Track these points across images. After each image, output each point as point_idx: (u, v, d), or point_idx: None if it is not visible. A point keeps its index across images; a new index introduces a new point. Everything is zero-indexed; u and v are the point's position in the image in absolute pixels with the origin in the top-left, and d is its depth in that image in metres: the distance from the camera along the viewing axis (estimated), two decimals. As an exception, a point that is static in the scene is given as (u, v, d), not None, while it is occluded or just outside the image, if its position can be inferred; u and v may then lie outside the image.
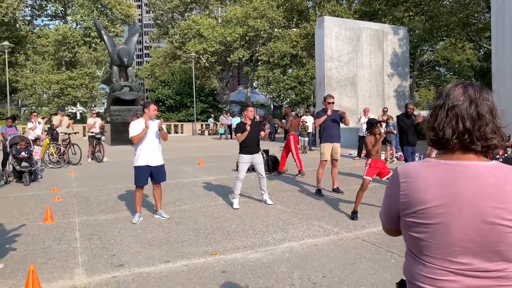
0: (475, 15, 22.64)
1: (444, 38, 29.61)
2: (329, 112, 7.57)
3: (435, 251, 1.20)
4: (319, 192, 7.56)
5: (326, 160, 7.70)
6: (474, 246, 1.16)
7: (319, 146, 7.98)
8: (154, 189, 6.06)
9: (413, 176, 1.24)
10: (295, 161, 10.25)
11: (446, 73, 42.38)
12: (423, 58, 38.32)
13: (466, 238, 1.16)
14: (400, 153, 11.67)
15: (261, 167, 6.83)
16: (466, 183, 1.18)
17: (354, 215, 5.81)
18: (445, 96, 1.27)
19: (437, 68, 42.03)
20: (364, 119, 13.53)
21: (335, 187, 7.80)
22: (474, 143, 1.21)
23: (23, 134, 12.33)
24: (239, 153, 6.80)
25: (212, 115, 33.88)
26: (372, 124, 6.13)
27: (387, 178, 6.01)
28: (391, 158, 12.53)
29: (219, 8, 47.69)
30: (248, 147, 6.70)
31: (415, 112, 9.93)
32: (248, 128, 6.55)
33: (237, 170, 10.65)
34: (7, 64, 26.52)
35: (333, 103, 7.75)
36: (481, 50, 35.43)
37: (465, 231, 1.16)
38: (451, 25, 22.27)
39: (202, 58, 37.56)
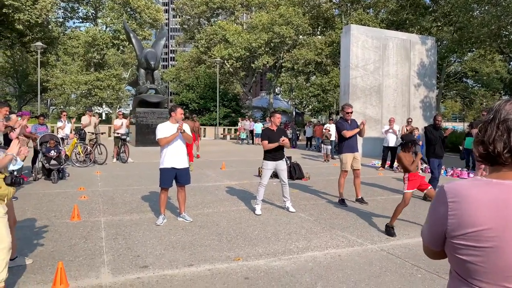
0: (508, 27, 22.09)
1: (473, 49, 28.99)
2: (361, 126, 7.54)
3: (487, 276, 1.14)
4: (342, 202, 7.49)
5: (347, 171, 7.61)
6: None
7: (339, 156, 7.82)
8: (178, 192, 6.12)
9: (463, 195, 1.18)
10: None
11: (473, 85, 41.47)
12: (450, 69, 37.61)
13: None
14: (426, 165, 11.46)
15: (284, 174, 6.81)
16: None
17: (390, 230, 5.54)
18: (496, 111, 1.23)
19: (465, 80, 41.17)
20: (390, 129, 13.35)
21: (359, 197, 7.70)
22: None
23: (52, 132, 12.65)
24: (263, 159, 6.79)
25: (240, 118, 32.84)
26: (409, 142, 5.90)
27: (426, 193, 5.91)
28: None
29: (245, 14, 48.01)
30: (273, 153, 6.69)
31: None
32: (282, 141, 6.50)
33: (259, 175, 10.69)
34: (39, 64, 27.32)
35: (351, 112, 7.68)
36: (511, 63, 34.54)
37: None
38: (482, 36, 21.77)
39: (227, 64, 37.87)
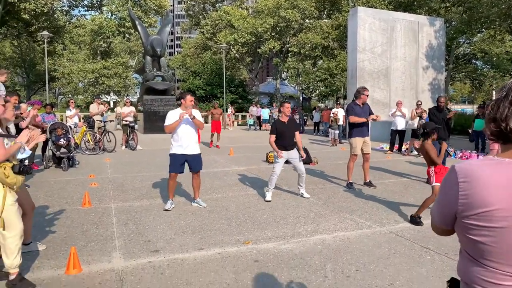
0: (518, 6, 21.61)
1: (482, 30, 28.43)
2: (372, 118, 7.51)
3: (499, 256, 1.13)
4: (350, 185, 7.49)
5: (357, 155, 7.57)
6: None
7: (349, 140, 7.75)
8: (193, 178, 6.12)
9: (474, 175, 1.16)
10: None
11: (483, 66, 40.77)
12: (459, 51, 36.97)
13: None
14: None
15: (298, 164, 6.71)
16: None
17: (416, 219, 5.26)
18: (509, 88, 1.21)
19: (474, 61, 40.49)
20: (398, 112, 13.24)
21: (368, 180, 7.69)
22: None
23: (61, 120, 12.76)
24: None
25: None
26: (433, 130, 5.62)
27: None
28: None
29: (251, -1, 47.54)
30: (284, 143, 6.63)
31: (449, 106, 9.60)
32: (282, 156, 6.55)
33: (267, 161, 10.73)
34: (46, 53, 27.40)
35: (367, 95, 7.65)
36: (522, 43, 33.88)
37: None
38: (492, 16, 21.33)
39: (233, 49, 37.63)
